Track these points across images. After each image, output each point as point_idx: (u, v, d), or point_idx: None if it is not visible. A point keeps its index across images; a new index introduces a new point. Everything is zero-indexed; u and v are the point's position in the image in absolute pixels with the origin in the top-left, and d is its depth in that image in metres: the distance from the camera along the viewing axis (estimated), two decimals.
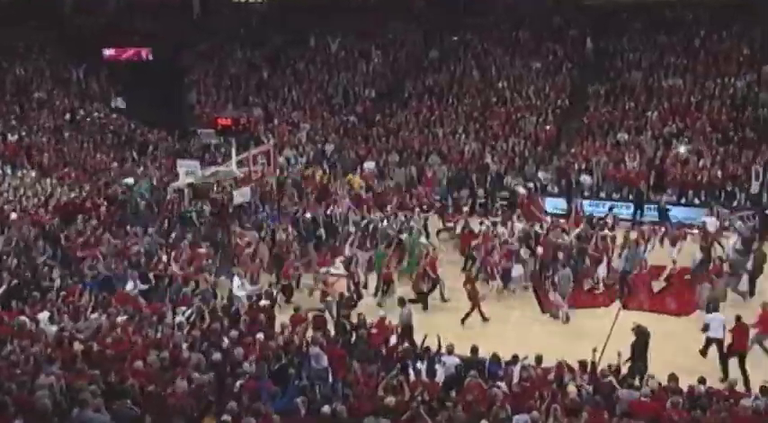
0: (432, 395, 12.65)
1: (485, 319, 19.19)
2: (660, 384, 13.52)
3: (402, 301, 18.06)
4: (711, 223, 23.30)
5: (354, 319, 17.01)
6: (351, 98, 36.22)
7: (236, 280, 19.36)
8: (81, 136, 33.47)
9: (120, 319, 15.66)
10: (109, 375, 12.08)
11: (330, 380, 13.90)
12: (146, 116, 35.73)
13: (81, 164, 30.69)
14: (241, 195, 25.41)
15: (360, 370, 13.97)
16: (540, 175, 29.13)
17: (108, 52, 37.96)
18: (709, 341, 16.52)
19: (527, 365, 14.14)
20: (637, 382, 14.28)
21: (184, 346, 14.22)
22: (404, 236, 22.44)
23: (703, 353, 16.62)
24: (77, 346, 13.60)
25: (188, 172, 27.67)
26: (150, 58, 37.61)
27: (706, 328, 16.60)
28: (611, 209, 25.93)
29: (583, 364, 14.20)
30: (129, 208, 25.82)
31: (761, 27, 32.87)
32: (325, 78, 37.53)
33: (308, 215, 24.66)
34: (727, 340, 16.30)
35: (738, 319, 16.37)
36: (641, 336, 15.64)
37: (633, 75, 32.71)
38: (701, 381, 13.62)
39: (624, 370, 14.69)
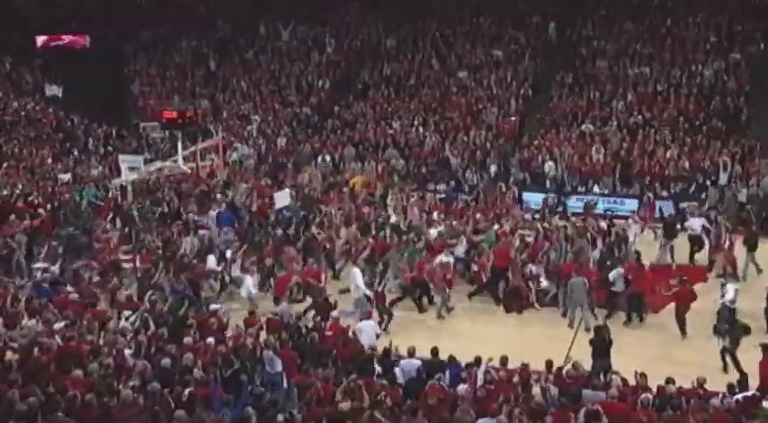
0: (393, 399, 12.18)
1: None
2: (626, 382, 13.46)
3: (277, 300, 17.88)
4: (697, 223, 22.19)
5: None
6: (304, 89, 35.09)
7: (358, 274, 18.57)
8: (15, 130, 31.82)
9: (58, 325, 14.81)
10: (47, 385, 11.47)
11: (285, 385, 13.60)
12: (85, 109, 34.04)
13: (15, 160, 29.05)
14: (282, 199, 23.68)
15: (316, 374, 13.54)
16: (493, 168, 28.56)
17: (41, 40, 35.85)
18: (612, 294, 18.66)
19: (490, 368, 13.77)
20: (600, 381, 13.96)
21: (128, 352, 13.67)
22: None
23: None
24: (11, 355, 12.78)
25: (131, 167, 26.39)
26: (88, 46, 35.64)
27: (613, 283, 18.53)
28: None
29: (549, 364, 14.03)
30: (71, 208, 24.20)
31: (727, 14, 32.44)
32: (277, 68, 36.42)
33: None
34: None
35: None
36: (600, 333, 15.49)
37: (598, 63, 32.03)
38: (670, 381, 13.22)
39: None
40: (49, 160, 29.44)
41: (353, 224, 22.38)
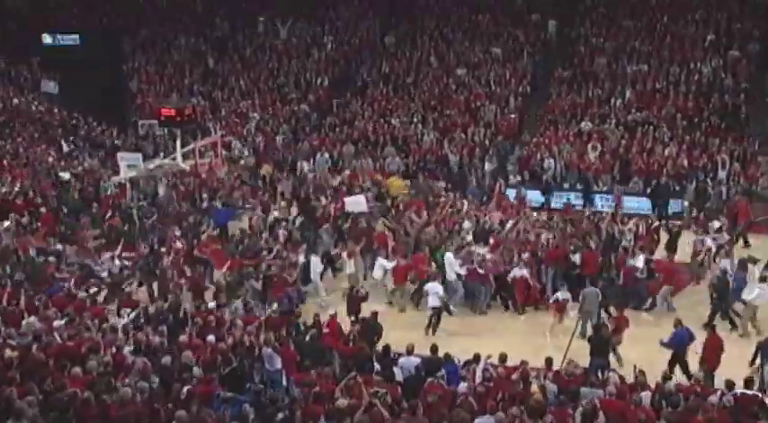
0: (392, 397, 12.11)
1: None
2: (624, 380, 13.44)
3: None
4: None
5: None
6: (302, 86, 34.93)
7: (453, 259, 19.03)
8: (15, 128, 31.49)
9: (57, 322, 14.70)
10: (45, 383, 11.39)
11: (284, 382, 13.54)
12: (83, 106, 33.77)
13: (15, 157, 28.73)
14: (355, 204, 22.92)
15: (315, 371, 13.50)
16: (487, 166, 28.46)
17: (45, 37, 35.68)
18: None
19: (489, 365, 13.76)
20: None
21: (127, 349, 13.53)
22: None
23: None
24: (11, 353, 12.61)
25: (129, 165, 26.43)
26: (86, 43, 35.43)
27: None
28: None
29: (548, 362, 14.01)
30: (67, 205, 24.20)
31: (725, 11, 32.43)
32: (275, 66, 36.25)
33: None
34: None
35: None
36: (598, 332, 15.53)
37: (597, 61, 31.94)
38: (667, 377, 13.30)
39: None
40: (50, 158, 29.28)
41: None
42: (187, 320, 15.52)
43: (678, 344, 15.18)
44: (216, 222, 23.04)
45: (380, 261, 19.77)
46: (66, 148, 30.35)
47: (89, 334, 14.32)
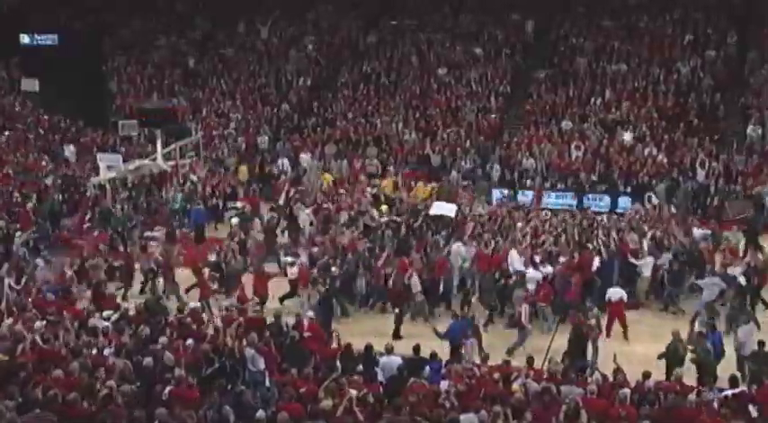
0: (374, 396, 12.11)
1: None
2: (606, 378, 13.38)
3: None
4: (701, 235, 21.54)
5: None
6: (284, 87, 34.77)
7: (516, 256, 18.94)
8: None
9: (38, 324, 14.59)
10: (26, 386, 11.34)
11: (267, 383, 13.40)
12: (63, 107, 33.68)
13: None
14: (444, 208, 22.37)
15: (295, 373, 13.34)
16: (464, 165, 28.64)
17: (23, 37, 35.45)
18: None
19: (472, 364, 13.73)
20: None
21: (108, 351, 13.50)
22: None
23: None
24: None
25: (109, 166, 26.35)
26: (65, 43, 35.21)
27: None
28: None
29: (530, 361, 13.94)
30: (47, 206, 24.19)
31: (702, 12, 32.70)
32: (256, 66, 36.09)
33: None
34: None
35: None
36: (577, 331, 15.59)
37: (577, 61, 32.07)
38: (647, 375, 13.28)
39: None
40: (35, 160, 29.18)
41: None
42: (167, 322, 15.39)
43: (453, 336, 15.48)
44: (194, 222, 23.12)
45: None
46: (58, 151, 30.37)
47: (69, 336, 14.18)
